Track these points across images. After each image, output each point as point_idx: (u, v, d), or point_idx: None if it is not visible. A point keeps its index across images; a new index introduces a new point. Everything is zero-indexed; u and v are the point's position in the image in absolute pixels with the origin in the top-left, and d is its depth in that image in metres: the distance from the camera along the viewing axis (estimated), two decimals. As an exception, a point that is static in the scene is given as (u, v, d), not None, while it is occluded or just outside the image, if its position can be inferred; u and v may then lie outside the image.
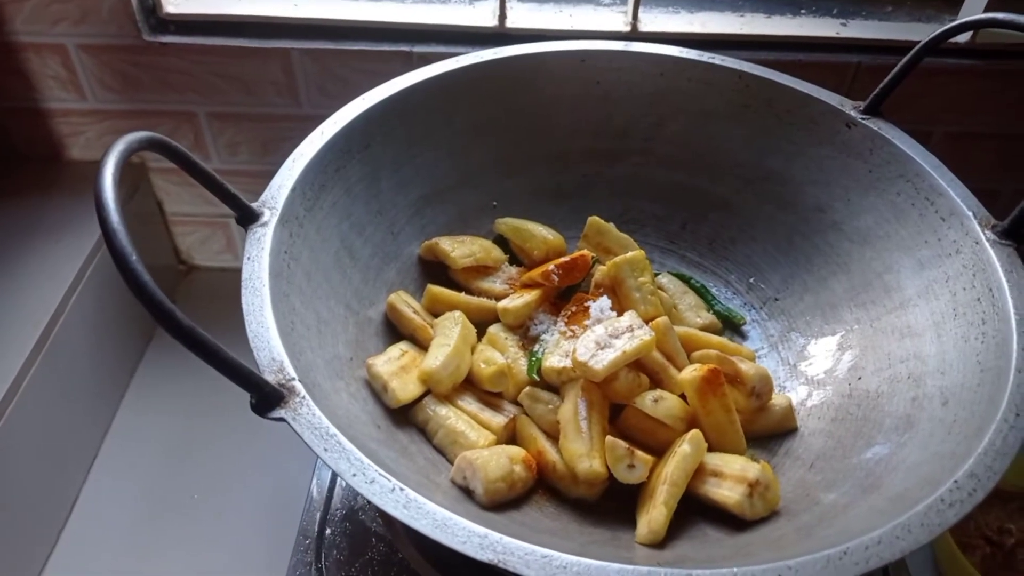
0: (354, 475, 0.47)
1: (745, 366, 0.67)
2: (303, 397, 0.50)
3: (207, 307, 1.08)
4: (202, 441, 0.98)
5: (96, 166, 1.05)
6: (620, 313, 0.69)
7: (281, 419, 0.49)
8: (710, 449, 0.63)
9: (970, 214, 0.65)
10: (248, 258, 0.59)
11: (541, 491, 0.64)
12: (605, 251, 0.78)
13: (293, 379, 0.51)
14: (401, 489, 0.46)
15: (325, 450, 0.48)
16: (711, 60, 0.80)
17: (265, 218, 0.62)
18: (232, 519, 0.90)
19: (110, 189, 0.46)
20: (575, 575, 0.43)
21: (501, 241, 0.81)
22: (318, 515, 0.71)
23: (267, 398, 0.49)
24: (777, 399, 0.68)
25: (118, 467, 0.95)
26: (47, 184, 1.02)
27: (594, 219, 0.79)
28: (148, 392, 1.04)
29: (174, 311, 0.44)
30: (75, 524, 0.90)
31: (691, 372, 0.64)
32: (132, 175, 1.05)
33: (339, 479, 0.75)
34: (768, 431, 0.68)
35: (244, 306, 0.55)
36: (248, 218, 0.62)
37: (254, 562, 0.85)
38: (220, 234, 1.15)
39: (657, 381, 0.67)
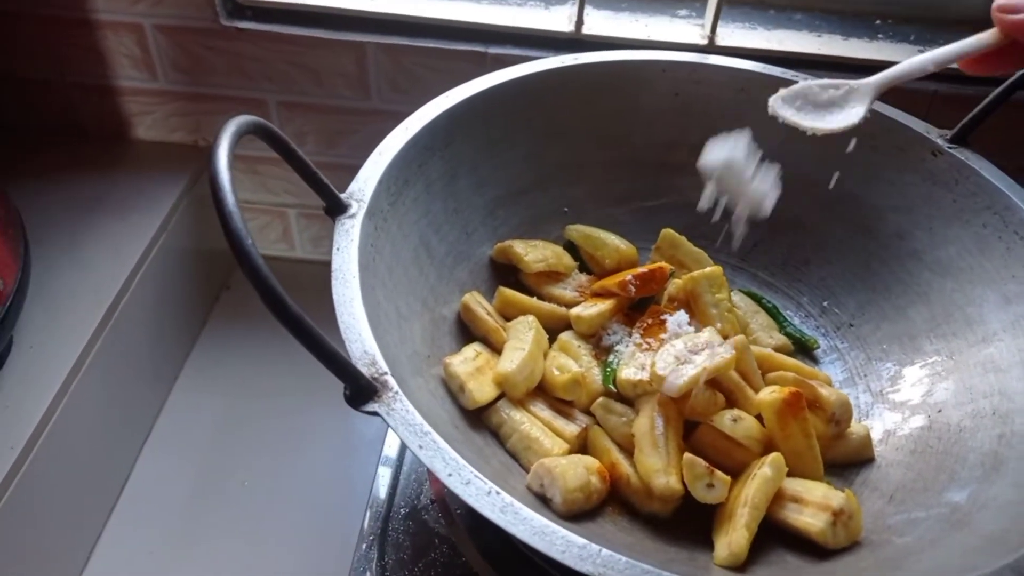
0: (450, 475, 0.46)
1: (825, 391, 0.65)
2: (396, 392, 0.50)
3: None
4: (255, 426, 0.98)
5: (161, 147, 1.05)
6: (699, 328, 0.68)
7: (375, 413, 0.48)
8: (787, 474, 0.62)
9: (1064, 251, 0.64)
10: (338, 249, 0.59)
11: (612, 504, 0.63)
12: (678, 264, 0.78)
13: (386, 373, 0.51)
14: (498, 493, 0.46)
15: (420, 447, 0.47)
16: (795, 77, 0.79)
17: (353, 210, 0.62)
18: (282, 508, 0.89)
19: (226, 171, 0.45)
20: (680, 595, 0.42)
21: (571, 248, 0.81)
22: (381, 512, 0.71)
23: (362, 391, 0.49)
24: (855, 428, 0.67)
25: (170, 449, 0.95)
26: (113, 162, 1.03)
27: (668, 231, 0.78)
28: (203, 373, 1.03)
29: (285, 298, 0.43)
30: (126, 503, 0.90)
31: (771, 394, 0.63)
32: (197, 158, 1.05)
33: (401, 476, 0.74)
34: (844, 459, 0.67)
35: (335, 297, 0.55)
36: (337, 209, 0.61)
37: (306, 556, 0.84)
38: (277, 223, 1.15)
39: (732, 401, 0.66)
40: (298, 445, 0.95)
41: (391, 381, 0.50)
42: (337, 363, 0.46)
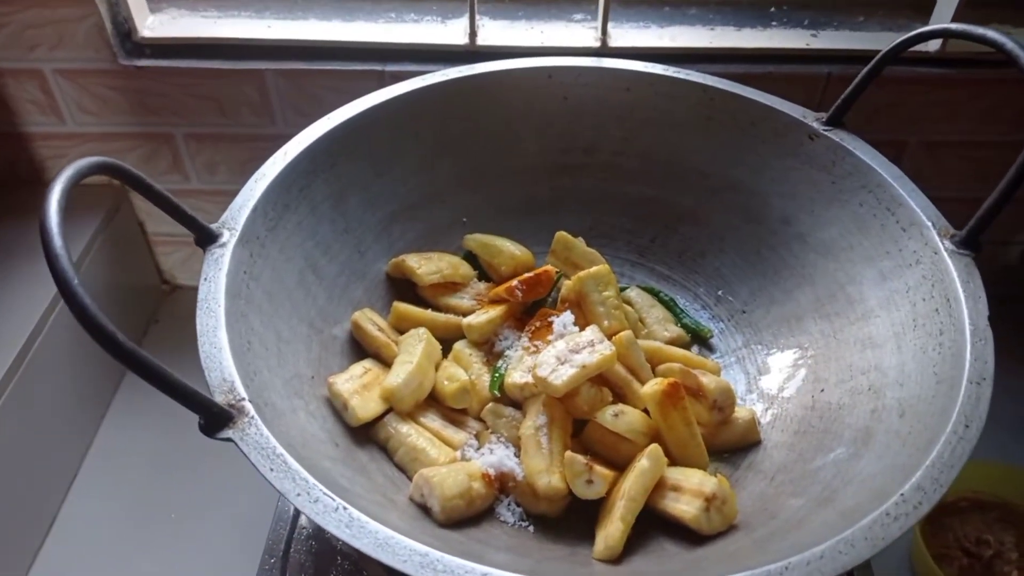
0: (298, 495, 0.47)
1: (707, 379, 0.67)
2: (251, 417, 0.51)
3: (190, 326, 1.08)
4: (184, 460, 0.98)
5: (75, 188, 1.05)
6: (583, 328, 0.69)
7: (228, 439, 0.49)
8: (673, 463, 0.63)
9: (929, 224, 0.65)
10: (205, 279, 0.60)
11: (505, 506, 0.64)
12: (573, 266, 0.79)
13: (243, 399, 0.52)
14: (344, 508, 0.47)
15: (271, 470, 0.48)
16: (676, 74, 0.81)
17: (224, 239, 0.63)
18: (210, 538, 0.90)
19: (55, 215, 0.46)
20: (512, 593, 0.43)
21: (471, 257, 0.82)
22: (284, 534, 0.71)
23: (215, 419, 0.50)
24: (740, 412, 0.68)
25: (99, 487, 0.96)
26: (28, 207, 1.02)
27: (561, 234, 0.79)
28: (130, 412, 1.04)
29: (115, 333, 0.44)
30: (54, 542, 0.90)
31: (652, 386, 0.64)
32: (112, 197, 1.06)
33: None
34: (732, 445, 0.68)
35: (198, 327, 0.56)
36: (207, 239, 0.62)
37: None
38: (201, 255, 1.16)
39: (621, 396, 0.67)
40: (227, 475, 0.96)
41: (248, 407, 0.51)
42: (182, 394, 0.47)
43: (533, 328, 0.71)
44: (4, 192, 1.06)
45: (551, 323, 0.70)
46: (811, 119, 0.76)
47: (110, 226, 1.04)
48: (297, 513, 0.73)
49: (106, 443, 1.00)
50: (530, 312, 0.76)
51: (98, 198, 1.04)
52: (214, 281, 0.59)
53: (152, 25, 0.97)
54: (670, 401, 0.63)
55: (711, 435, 0.67)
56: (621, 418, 0.64)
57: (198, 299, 0.58)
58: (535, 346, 0.70)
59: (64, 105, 1.00)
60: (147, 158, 1.04)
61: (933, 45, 0.95)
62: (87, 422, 1.01)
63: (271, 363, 0.60)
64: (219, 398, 0.51)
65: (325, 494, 0.47)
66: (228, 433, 0.49)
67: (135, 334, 1.11)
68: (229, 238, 0.63)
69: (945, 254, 0.63)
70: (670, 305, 0.80)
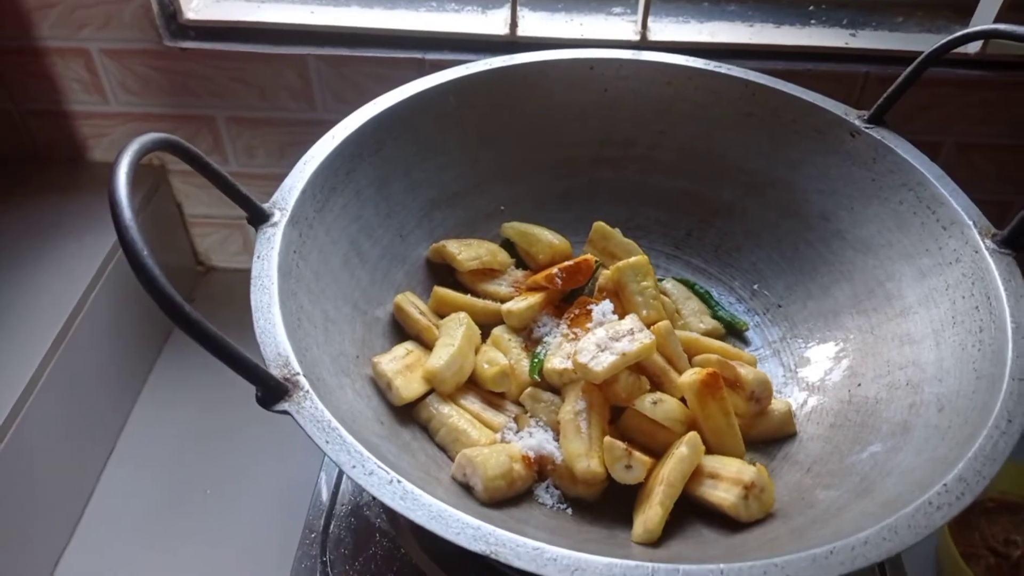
0: (353, 467, 0.48)
1: (744, 371, 0.67)
2: (307, 391, 0.52)
3: (225, 307, 1.10)
4: (217, 436, 1.00)
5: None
6: (622, 317, 0.70)
7: (285, 412, 0.51)
8: (709, 452, 0.64)
9: (970, 223, 0.66)
10: (258, 257, 0.61)
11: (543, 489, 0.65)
12: (610, 256, 0.79)
13: (298, 374, 0.53)
14: (399, 481, 0.48)
15: (327, 442, 0.50)
16: (717, 69, 0.81)
17: (275, 219, 0.64)
18: (244, 513, 0.91)
19: (124, 187, 0.48)
20: (564, 567, 0.44)
21: (508, 245, 0.83)
22: (324, 510, 0.73)
23: (272, 391, 0.51)
24: (776, 404, 0.69)
25: (135, 461, 0.97)
26: (70, 184, 1.05)
27: (599, 224, 0.80)
28: (166, 387, 1.06)
29: (183, 305, 0.46)
30: (91, 516, 0.92)
31: (690, 375, 0.65)
32: (152, 177, 1.08)
33: (345, 475, 0.76)
34: (767, 436, 0.69)
35: (252, 303, 0.57)
36: (259, 218, 0.64)
37: (263, 556, 0.86)
38: (238, 235, 1.17)
39: (658, 384, 0.68)
40: (261, 451, 0.98)
41: (303, 381, 0.53)
42: (243, 366, 0.48)
43: (572, 315, 0.72)
44: (45, 169, 1.07)
45: (590, 311, 0.71)
46: (853, 117, 0.76)
47: (148, 206, 1.05)
48: (337, 489, 0.75)
49: (143, 417, 1.02)
50: (567, 300, 0.77)
51: (138, 178, 1.06)
52: (267, 259, 0.61)
53: (197, 7, 0.98)
54: (708, 391, 0.64)
55: (747, 426, 0.68)
56: (660, 406, 0.65)
57: (252, 276, 0.59)
58: (574, 333, 0.71)
59: (108, 84, 1.01)
60: (188, 139, 1.03)
61: (972, 47, 0.95)
62: (125, 396, 1.03)
63: (319, 341, 0.62)
64: (275, 372, 0.53)
65: (380, 467, 0.48)
66: (284, 406, 0.51)
67: (170, 313, 1.13)
68: (280, 218, 0.64)
69: (986, 253, 0.64)
70: (706, 297, 0.81)
